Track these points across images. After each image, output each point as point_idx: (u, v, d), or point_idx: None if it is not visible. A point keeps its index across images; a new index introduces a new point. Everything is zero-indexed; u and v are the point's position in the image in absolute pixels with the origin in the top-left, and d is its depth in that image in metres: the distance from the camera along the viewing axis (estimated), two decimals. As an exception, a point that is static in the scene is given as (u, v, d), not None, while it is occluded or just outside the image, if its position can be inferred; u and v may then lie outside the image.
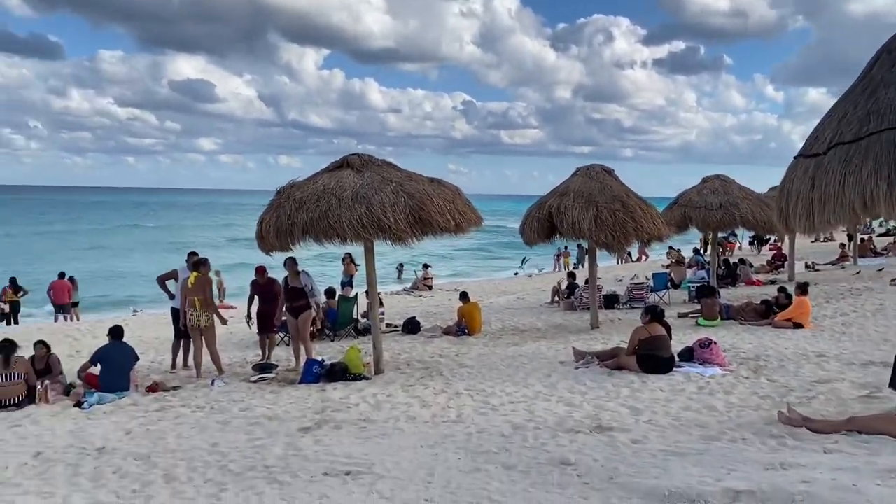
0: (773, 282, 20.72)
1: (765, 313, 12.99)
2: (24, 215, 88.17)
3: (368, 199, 8.61)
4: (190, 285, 9.85)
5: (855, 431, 5.69)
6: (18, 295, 20.23)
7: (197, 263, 10.08)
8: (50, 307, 20.73)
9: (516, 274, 30.62)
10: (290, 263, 10.30)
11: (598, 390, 8.04)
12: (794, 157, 6.11)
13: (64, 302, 20.19)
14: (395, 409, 7.35)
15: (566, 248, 32.63)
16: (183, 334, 10.44)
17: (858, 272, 21.69)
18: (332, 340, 13.11)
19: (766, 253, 30.98)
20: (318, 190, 8.81)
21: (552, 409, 7.17)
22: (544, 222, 12.72)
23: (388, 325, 14.17)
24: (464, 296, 14.17)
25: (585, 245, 34.71)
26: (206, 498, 4.89)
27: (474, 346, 11.99)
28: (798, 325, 12.17)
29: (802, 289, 12.67)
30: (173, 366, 10.83)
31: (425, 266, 24.50)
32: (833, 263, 25.62)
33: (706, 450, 5.28)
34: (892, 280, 18.39)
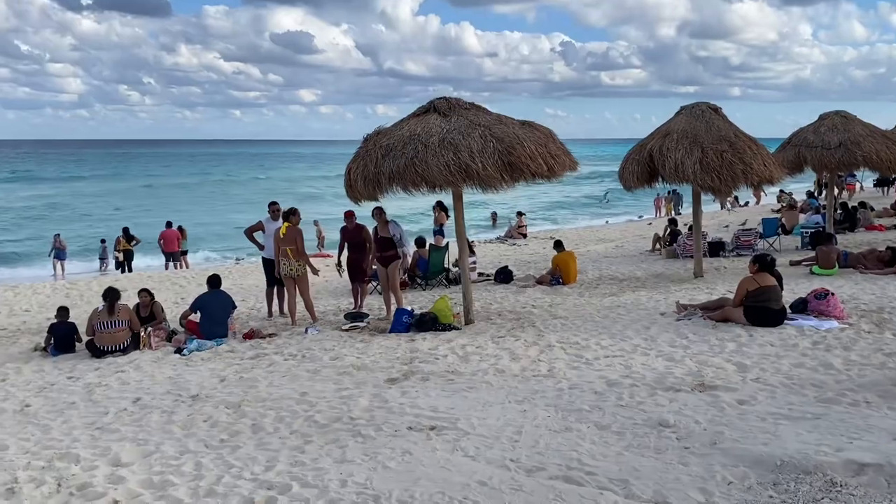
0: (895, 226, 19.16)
1: (890, 261, 11.91)
2: (150, 168, 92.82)
3: (456, 145, 8.28)
4: (282, 235, 9.91)
5: None
6: (132, 244, 21.30)
7: (288, 213, 10.11)
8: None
9: (607, 222, 29.25)
10: (378, 212, 10.17)
11: (701, 344, 7.54)
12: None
13: (173, 250, 21.12)
14: (484, 362, 7.14)
15: (671, 192, 31.31)
16: (277, 282, 10.58)
17: None
18: (424, 290, 13.02)
19: (893, 195, 28.69)
20: (405, 136, 8.55)
21: (651, 364, 6.77)
22: (644, 165, 12.02)
23: (479, 275, 13.94)
24: (558, 244, 13.74)
25: (680, 190, 33.64)
26: (290, 450, 4.85)
27: (569, 296, 11.60)
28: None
29: None
30: (269, 313, 11.03)
31: (519, 213, 24.05)
32: (968, 205, 23.42)
33: (823, 414, 4.78)
34: None
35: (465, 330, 9.06)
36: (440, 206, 14.89)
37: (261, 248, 10.91)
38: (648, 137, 12.42)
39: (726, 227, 22.51)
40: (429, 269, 13.15)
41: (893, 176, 27.09)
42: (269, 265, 10.60)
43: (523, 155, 8.28)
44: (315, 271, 10.21)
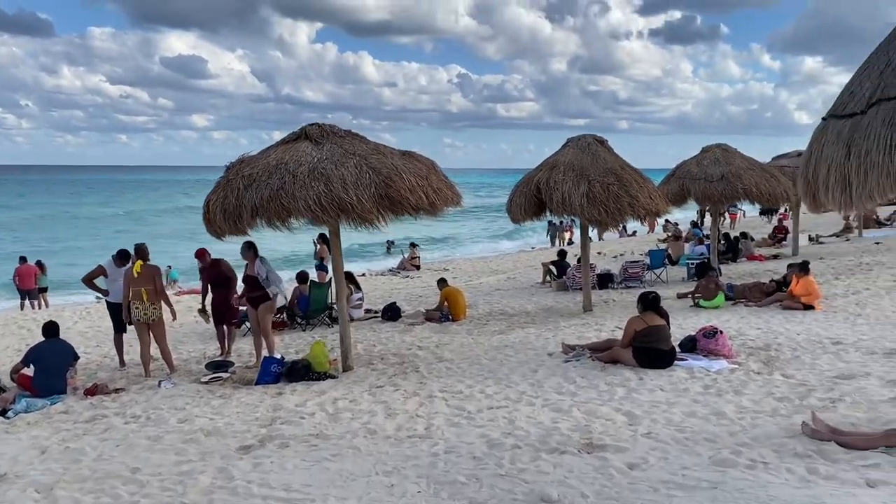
0: (775, 256, 19.81)
1: (773, 293, 12.01)
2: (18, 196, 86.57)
3: (327, 175, 7.55)
4: (136, 274, 8.81)
5: (896, 448, 4.73)
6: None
7: (142, 250, 9.02)
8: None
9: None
10: (246, 248, 9.26)
11: (589, 390, 7.06)
12: (823, 118, 5.06)
13: (30, 287, 19.19)
14: (356, 420, 6.36)
15: (571, 221, 31.61)
16: (126, 328, 9.44)
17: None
18: (305, 330, 12.11)
19: (775, 223, 29.99)
20: (271, 165, 7.74)
21: (536, 416, 6.19)
22: (532, 198, 11.68)
23: (367, 311, 13.17)
24: (442, 281, 13.17)
25: (557, 221, 34.26)
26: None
27: (457, 334, 11.00)
28: (808, 307, 11.21)
29: (804, 268, 11.67)
30: (122, 363, 9.83)
31: (412, 245, 23.47)
32: (837, 235, 24.71)
33: (720, 482, 4.29)
34: (903, 253, 17.48)
35: (341, 378, 8.27)
36: (322, 240, 14.03)
37: (105, 293, 9.73)
38: (536, 170, 12.11)
39: (615, 257, 22.75)
40: (310, 308, 12.26)
41: (775, 208, 28.40)
42: (115, 310, 9.43)
43: (402, 188, 7.64)
44: (174, 315, 9.15)
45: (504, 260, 25.91)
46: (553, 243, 33.57)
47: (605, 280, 15.13)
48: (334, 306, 12.72)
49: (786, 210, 30.67)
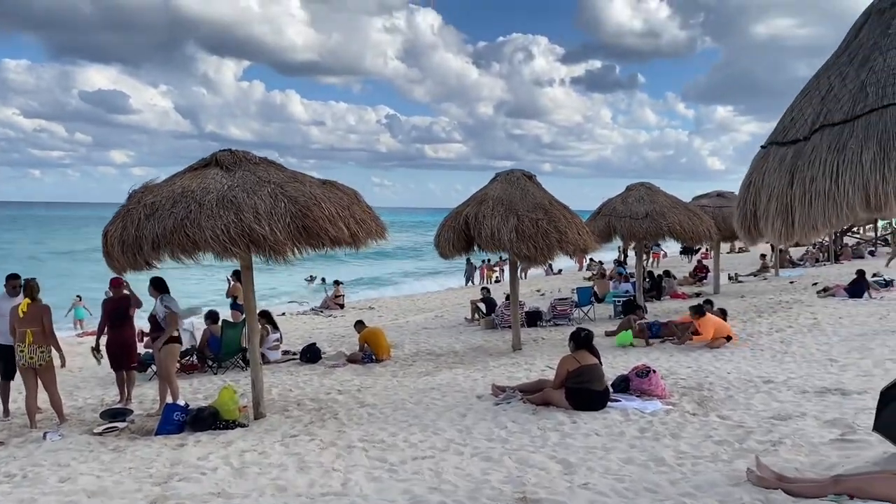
0: (698, 294, 20.00)
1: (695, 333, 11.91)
2: None
3: (238, 204, 6.95)
4: (22, 314, 7.91)
5: (846, 496, 4.42)
6: None
7: (31, 287, 8.12)
8: None
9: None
10: (152, 285, 8.49)
11: (521, 436, 6.59)
12: (763, 146, 4.84)
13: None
14: (264, 475, 5.69)
15: (488, 259, 31.47)
16: (12, 374, 8.47)
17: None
18: (216, 373, 11.26)
19: (695, 262, 30.59)
20: (175, 193, 7.08)
21: (465, 467, 5.67)
22: (461, 233, 11.32)
23: (284, 353, 12.42)
24: (359, 324, 12.60)
25: (480, 260, 34.08)
26: None
27: (381, 376, 10.42)
28: (727, 338, 11.20)
29: (698, 311, 11.69)
30: (6, 412, 8.80)
31: (337, 282, 22.72)
32: (755, 275, 25.32)
33: (669, 540, 3.86)
34: (820, 291, 17.89)
35: (252, 427, 7.56)
36: (236, 276, 13.23)
37: None
38: (464, 204, 11.78)
39: (543, 294, 22.59)
40: (222, 349, 11.43)
41: (697, 246, 28.95)
42: (4, 353, 8.45)
43: (321, 218, 7.10)
44: (63, 361, 8.25)
45: (431, 298, 25.44)
46: (468, 283, 32.90)
47: (533, 318, 14.84)
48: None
49: (706, 249, 31.42)
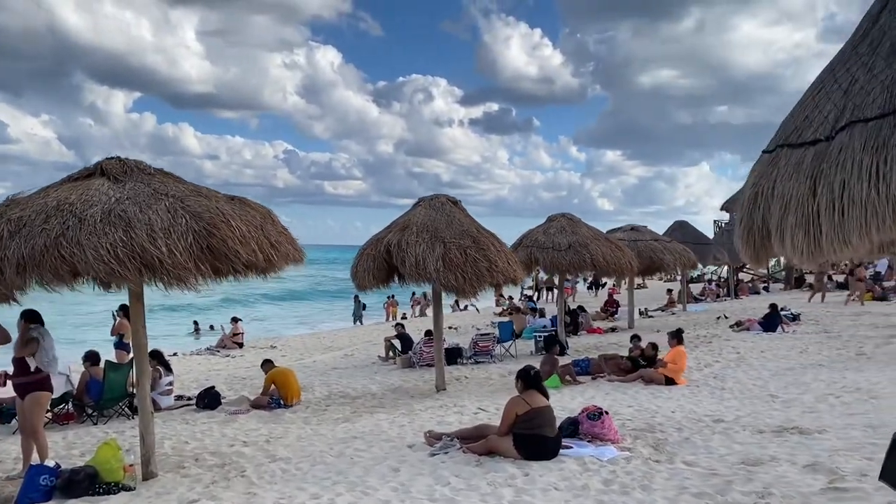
0: (613, 329, 19.77)
1: (631, 370, 11.34)
2: None
3: (128, 220, 5.74)
4: None
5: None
6: None
7: None
8: None
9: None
10: (21, 319, 7.04)
11: (469, 494, 5.63)
12: (767, 151, 4.18)
13: None
14: (155, 560, 4.47)
15: (392, 296, 30.44)
16: None
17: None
18: (96, 424, 9.68)
19: (603, 297, 30.61)
20: (49, 207, 5.79)
21: (412, 538, 4.65)
22: (382, 262, 10.33)
23: (178, 399, 10.95)
24: (267, 363, 11.30)
25: (363, 299, 32.93)
26: None
27: (292, 424, 9.20)
28: (670, 381, 10.61)
29: (678, 337, 11.18)
30: None
31: (235, 319, 21.08)
32: (662, 310, 25.51)
33: None
34: (733, 325, 17.95)
35: (141, 490, 6.24)
36: (124, 312, 11.65)
37: None
38: (385, 231, 10.84)
39: (454, 328, 21.82)
40: (104, 395, 9.85)
41: (604, 280, 29.07)
42: None
43: (230, 237, 5.97)
44: None
45: (339, 335, 24.10)
46: (356, 322, 30.12)
47: (453, 355, 13.93)
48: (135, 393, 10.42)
49: (613, 284, 31.65)
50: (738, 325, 17.64)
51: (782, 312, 18.24)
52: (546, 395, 6.78)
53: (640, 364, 11.42)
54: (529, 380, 6.76)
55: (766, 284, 35.59)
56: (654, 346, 11.76)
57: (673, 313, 24.47)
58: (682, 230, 25.64)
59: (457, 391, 11.14)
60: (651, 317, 23.17)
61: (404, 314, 33.02)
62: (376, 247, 10.48)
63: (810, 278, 37.91)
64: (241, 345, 20.14)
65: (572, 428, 7.17)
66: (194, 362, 17.14)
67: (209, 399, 10.50)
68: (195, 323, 28.24)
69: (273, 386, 10.55)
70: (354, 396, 11.20)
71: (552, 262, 14.17)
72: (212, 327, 26.81)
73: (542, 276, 27.69)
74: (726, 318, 20.37)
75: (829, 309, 22.19)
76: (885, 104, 3.49)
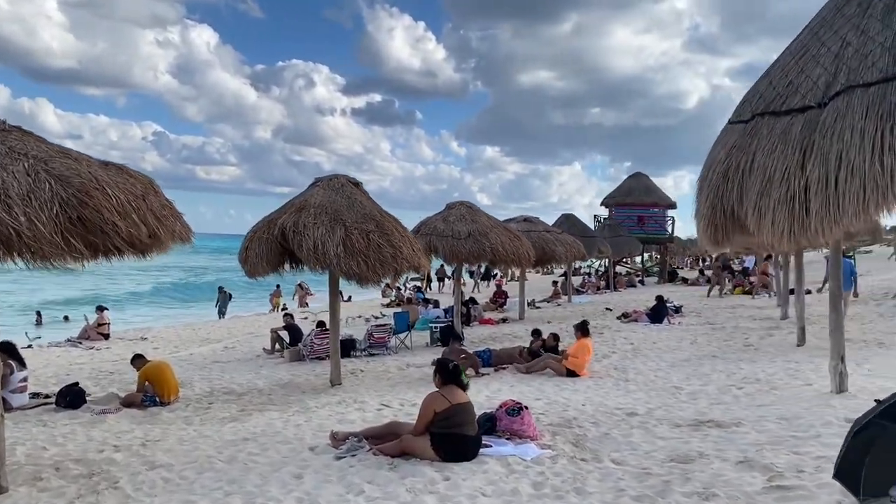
0: (504, 320, 19.61)
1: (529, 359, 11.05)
2: None
3: (-26, 183, 4.67)
4: None
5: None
6: None
7: None
8: None
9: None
10: None
11: (386, 503, 4.99)
12: (738, 121, 3.81)
13: None
14: None
15: (278, 286, 29.12)
16: None
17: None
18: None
19: (492, 288, 30.59)
20: None
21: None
22: (276, 245, 9.45)
23: (35, 396, 9.60)
24: (138, 358, 10.09)
25: (228, 290, 31.57)
26: None
27: (172, 424, 8.19)
28: (571, 373, 10.39)
29: (583, 329, 10.97)
30: None
31: (100, 308, 19.22)
32: (547, 301, 25.72)
33: None
34: (620, 316, 18.20)
35: (-16, 510, 5.17)
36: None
37: None
38: (279, 212, 9.94)
39: (345, 321, 20.95)
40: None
41: (495, 271, 28.97)
42: None
43: (106, 208, 5.01)
44: None
45: (216, 327, 22.62)
46: (221, 316, 27.79)
47: (346, 347, 13.15)
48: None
49: (501, 276, 31.78)
50: (626, 317, 17.91)
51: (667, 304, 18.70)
52: (465, 390, 6.22)
53: (540, 356, 11.15)
54: (448, 374, 6.18)
55: (640, 278, 36.96)
56: (555, 337, 11.54)
57: (559, 304, 24.73)
58: (568, 223, 25.97)
59: (353, 386, 10.43)
60: (539, 308, 23.27)
61: (285, 305, 31.73)
62: (269, 229, 9.58)
63: (687, 273, 39.75)
64: (106, 336, 18.39)
65: (489, 424, 6.67)
66: (53, 355, 15.40)
67: (72, 397, 9.23)
68: (38, 314, 25.87)
69: (147, 382, 9.44)
70: (240, 393, 10.24)
71: (451, 250, 13.70)
72: (66, 318, 24.59)
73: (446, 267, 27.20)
74: (610, 310, 20.73)
75: (707, 302, 23.13)
76: (887, 67, 3.16)
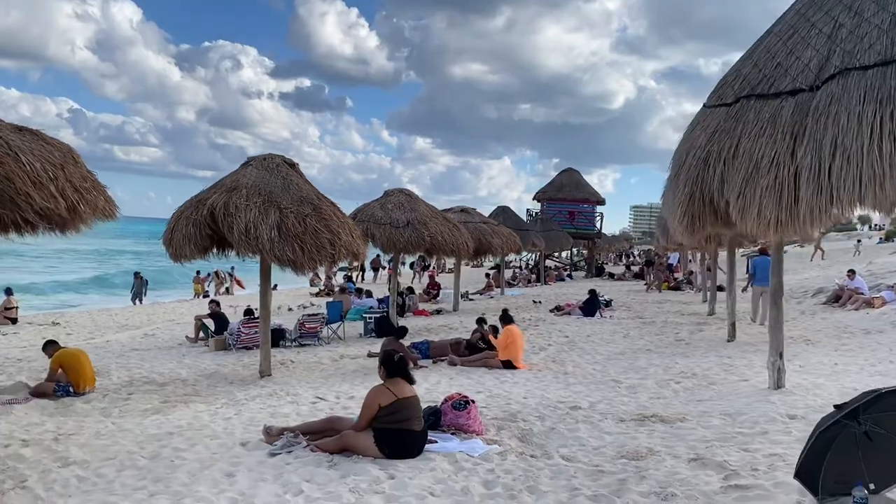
0: (438, 311, 19.36)
1: (472, 354, 10.81)
2: None
3: None
4: None
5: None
6: None
7: None
8: None
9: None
10: None
11: (328, 504, 4.65)
12: (717, 105, 3.61)
13: None
14: None
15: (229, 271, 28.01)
16: None
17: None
18: None
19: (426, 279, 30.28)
20: None
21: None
22: (204, 228, 8.89)
23: (-71, 385, 8.78)
24: (51, 344, 9.33)
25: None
26: None
27: (87, 416, 7.58)
28: (507, 364, 10.21)
29: (506, 318, 10.81)
30: None
31: (8, 291, 17.98)
32: (480, 293, 25.64)
33: None
34: (553, 309, 18.23)
35: None
36: None
37: None
38: (208, 191, 9.37)
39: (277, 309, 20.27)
40: None
41: (428, 261, 28.64)
42: None
43: (18, 176, 4.45)
44: None
45: (134, 312, 21.55)
46: (136, 301, 26.41)
47: (276, 336, 12.60)
48: None
49: (434, 267, 31.52)
50: (559, 310, 17.95)
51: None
52: (412, 383, 5.91)
53: (482, 348, 10.95)
54: (394, 366, 5.84)
55: (569, 272, 37.41)
56: (495, 329, 11.34)
57: (491, 297, 24.66)
58: (504, 215, 25.91)
59: (284, 377, 9.96)
60: (472, 300, 23.13)
61: (207, 292, 30.63)
62: (198, 209, 9.00)
63: (613, 269, 40.43)
64: (14, 320, 17.21)
65: (433, 419, 6.39)
66: (-47, 341, 14.27)
67: (-27, 387, 8.46)
68: None
69: (60, 370, 8.74)
70: (162, 383, 9.63)
71: (389, 238, 13.33)
72: None
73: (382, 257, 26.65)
74: (540, 302, 20.78)
75: (634, 296, 23.50)
76: (885, 49, 3.00)
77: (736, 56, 3.59)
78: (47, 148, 5.02)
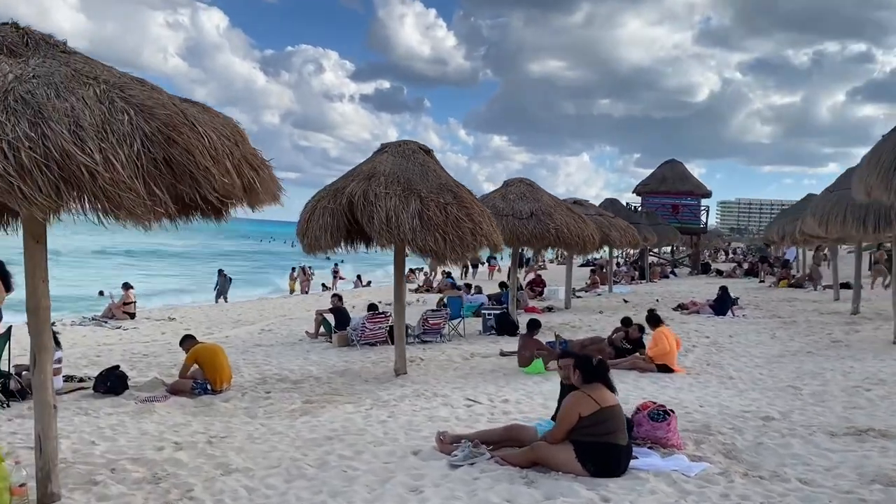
0: (549, 309, 18.52)
1: (615, 356, 9.90)
2: None
3: (37, 107, 3.59)
4: None
5: None
6: None
7: None
8: None
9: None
10: None
11: (546, 531, 3.93)
12: None
13: None
14: None
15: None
16: None
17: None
18: (-44, 413, 7.22)
19: (528, 276, 29.46)
20: None
21: None
22: (343, 217, 8.36)
23: (69, 380, 8.60)
24: (188, 339, 9.02)
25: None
26: None
27: (232, 416, 7.15)
28: (663, 368, 9.29)
29: (656, 319, 9.90)
30: None
31: (126, 286, 18.15)
32: (586, 290, 24.62)
33: None
34: (675, 308, 17.13)
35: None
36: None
37: None
38: (344, 179, 8.85)
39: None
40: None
41: (527, 257, 27.84)
42: None
43: (198, 149, 3.92)
44: None
45: (246, 308, 21.58)
46: (219, 299, 25.42)
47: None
48: (11, 374, 7.97)
49: (536, 263, 30.64)
50: (684, 308, 16.84)
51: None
52: (614, 391, 5.13)
53: (626, 349, 10.07)
54: (592, 370, 5.08)
55: (671, 269, 35.78)
56: (640, 329, 10.44)
57: (598, 294, 23.63)
58: (613, 208, 24.79)
59: (420, 376, 9.37)
60: (580, 297, 22.14)
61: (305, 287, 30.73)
62: (335, 198, 8.48)
63: (723, 266, 38.49)
64: (132, 315, 17.37)
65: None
66: (78, 334, 14.38)
67: (112, 381, 8.21)
68: (102, 293, 24.32)
69: (195, 365, 8.41)
70: (295, 381, 9.20)
71: (512, 231, 12.57)
72: (101, 293, 23.13)
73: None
74: (658, 301, 19.62)
75: (755, 294, 22.02)
76: None
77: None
78: (218, 120, 4.50)
